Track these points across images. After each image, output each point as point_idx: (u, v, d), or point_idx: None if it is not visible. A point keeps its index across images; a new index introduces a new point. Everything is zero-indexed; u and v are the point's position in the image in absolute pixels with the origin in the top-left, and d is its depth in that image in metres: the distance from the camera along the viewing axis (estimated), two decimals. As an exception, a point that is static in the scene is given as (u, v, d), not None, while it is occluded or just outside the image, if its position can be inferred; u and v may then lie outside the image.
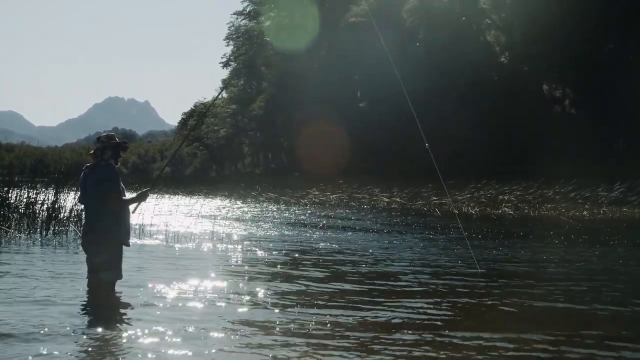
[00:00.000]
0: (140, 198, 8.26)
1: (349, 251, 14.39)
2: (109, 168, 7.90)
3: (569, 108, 48.51)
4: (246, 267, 11.53)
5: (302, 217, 26.90)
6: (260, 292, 8.94)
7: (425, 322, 7.47)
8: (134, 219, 10.66)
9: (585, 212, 29.55)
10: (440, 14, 48.99)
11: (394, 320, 7.50)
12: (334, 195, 40.26)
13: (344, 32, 59.58)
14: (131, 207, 8.23)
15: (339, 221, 24.50)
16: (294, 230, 20.04)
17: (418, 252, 14.49)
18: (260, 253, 13.64)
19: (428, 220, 25.65)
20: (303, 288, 9.50)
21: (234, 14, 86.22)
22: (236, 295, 8.70)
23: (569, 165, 36.53)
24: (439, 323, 7.44)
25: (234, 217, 25.35)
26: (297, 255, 13.61)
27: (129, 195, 8.32)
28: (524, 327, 7.30)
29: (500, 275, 11.40)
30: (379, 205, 36.17)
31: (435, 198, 34.10)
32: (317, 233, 19.02)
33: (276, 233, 18.80)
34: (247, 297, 8.54)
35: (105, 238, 7.88)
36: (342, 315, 7.65)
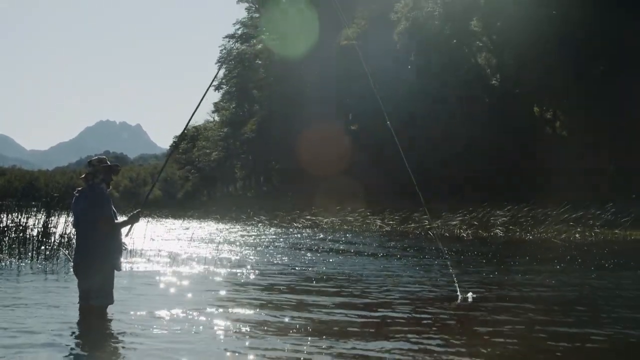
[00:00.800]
0: (132, 220, 8.18)
1: (341, 277, 14.31)
2: (99, 192, 7.83)
3: (559, 130, 48.73)
4: (238, 294, 11.47)
5: (294, 240, 26.83)
6: (252, 320, 8.87)
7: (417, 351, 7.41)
8: (127, 243, 10.63)
9: (577, 235, 29.57)
10: (431, 36, 49.25)
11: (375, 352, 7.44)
12: (326, 219, 40.23)
13: (335, 54, 59.83)
14: (124, 229, 8.18)
15: (332, 244, 24.42)
16: (285, 253, 19.97)
17: (405, 277, 14.43)
18: (251, 278, 13.57)
19: (419, 243, 25.60)
20: (296, 315, 9.42)
21: (226, 37, 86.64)
22: (228, 323, 8.62)
23: (560, 187, 36.53)
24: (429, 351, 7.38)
25: (226, 240, 25.25)
26: (288, 280, 13.54)
27: (120, 218, 8.27)
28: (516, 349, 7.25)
29: (486, 300, 11.33)
30: (371, 228, 36.16)
31: (426, 221, 34.07)
32: (310, 256, 18.95)
33: (267, 257, 18.72)
34: (239, 325, 8.44)
35: (95, 263, 7.80)
36: (340, 345, 7.58)
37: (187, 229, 32.41)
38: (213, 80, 10.26)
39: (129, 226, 8.24)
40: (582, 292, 12.46)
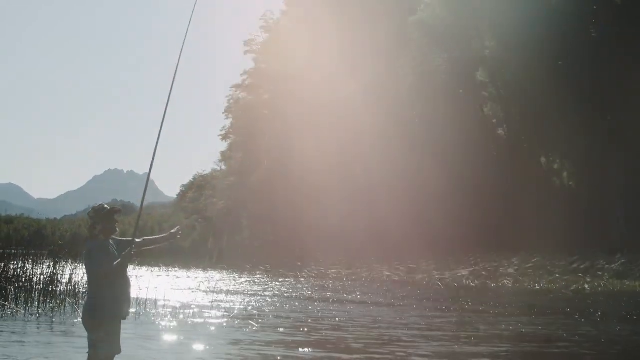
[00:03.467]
0: (126, 258, 7.58)
1: (350, 326, 14.17)
2: (93, 244, 7.57)
3: (567, 180, 48.64)
4: (243, 349, 11.34)
5: (301, 291, 26.65)
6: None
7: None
8: (134, 292, 10.55)
9: (586, 285, 29.28)
10: (437, 87, 49.52)
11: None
12: (332, 270, 40.02)
13: (343, 104, 60.03)
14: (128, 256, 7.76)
15: (342, 295, 24.25)
16: (290, 304, 19.81)
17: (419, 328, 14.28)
18: (255, 330, 13.44)
19: (430, 294, 25.41)
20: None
21: (233, 87, 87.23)
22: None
23: (568, 237, 36.32)
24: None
25: (233, 290, 25.11)
26: (293, 331, 13.40)
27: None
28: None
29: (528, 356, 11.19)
30: (378, 278, 35.94)
31: (436, 272, 33.93)
32: (317, 307, 18.79)
33: (273, 307, 18.58)
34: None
35: (101, 313, 7.70)
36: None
37: (193, 278, 32.28)
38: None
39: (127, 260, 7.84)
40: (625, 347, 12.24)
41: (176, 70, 7.77)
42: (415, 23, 51.24)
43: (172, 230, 8.15)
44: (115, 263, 7.58)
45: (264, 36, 77.43)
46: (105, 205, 7.93)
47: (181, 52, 7.90)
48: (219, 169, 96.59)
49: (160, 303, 17.17)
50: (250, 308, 18.13)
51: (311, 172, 60.60)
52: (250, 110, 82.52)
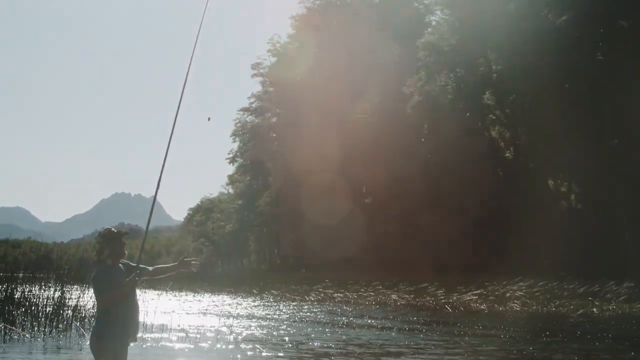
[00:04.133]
0: (129, 285, 7.50)
1: (359, 351, 14.09)
2: (99, 269, 7.49)
3: (574, 203, 48.51)
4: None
5: (307, 314, 26.55)
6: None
7: None
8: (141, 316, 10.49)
9: (594, 309, 29.07)
10: (444, 110, 49.58)
11: None
12: (339, 293, 39.86)
13: (350, 127, 60.11)
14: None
15: (349, 319, 24.14)
16: (297, 328, 19.73)
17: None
18: (265, 353, 13.38)
19: (439, 317, 25.27)
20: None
21: (241, 110, 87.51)
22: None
23: (576, 260, 36.14)
24: None
25: (240, 314, 25.04)
26: (300, 355, 13.34)
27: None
28: None
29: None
30: (386, 302, 35.76)
31: (443, 295, 33.77)
32: (325, 331, 18.70)
33: (280, 331, 18.50)
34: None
35: (108, 338, 7.65)
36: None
37: (200, 301, 32.21)
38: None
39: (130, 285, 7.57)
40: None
41: (181, 96, 7.79)
42: (423, 45, 51.45)
43: (186, 259, 7.99)
44: (118, 289, 7.48)
45: (271, 59, 77.84)
46: (112, 229, 7.87)
47: (187, 76, 7.92)
48: (226, 192, 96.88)
49: (167, 327, 17.11)
50: (256, 332, 18.05)
51: (318, 195, 60.63)
52: (258, 134, 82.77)
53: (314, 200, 60.52)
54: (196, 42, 8.05)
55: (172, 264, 8.08)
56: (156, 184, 7.82)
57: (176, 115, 7.68)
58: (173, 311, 22.11)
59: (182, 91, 7.77)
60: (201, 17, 8.30)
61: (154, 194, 7.93)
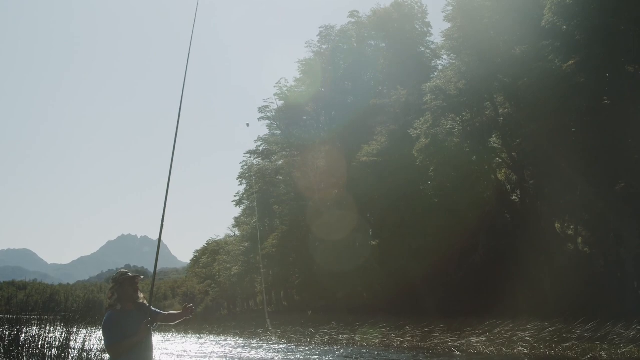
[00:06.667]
0: (140, 335, 7.55)
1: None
2: (108, 316, 7.52)
3: (581, 246, 48.36)
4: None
5: (313, 358, 26.42)
6: None
7: None
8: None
9: (602, 353, 28.82)
10: (451, 152, 49.73)
11: None
12: (345, 335, 39.65)
13: (357, 169, 60.35)
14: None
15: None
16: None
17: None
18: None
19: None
20: None
21: (247, 152, 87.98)
22: None
23: (583, 303, 35.91)
24: None
25: (244, 357, 24.93)
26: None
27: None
28: None
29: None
30: (392, 344, 35.54)
31: (450, 338, 33.54)
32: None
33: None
34: None
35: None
36: None
37: (206, 344, 32.08)
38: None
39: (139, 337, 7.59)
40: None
41: (175, 137, 7.97)
42: (430, 88, 51.85)
43: (188, 305, 8.18)
44: (129, 340, 7.42)
45: (278, 103, 78.56)
46: (128, 272, 7.82)
47: (179, 110, 8.10)
48: (232, 234, 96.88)
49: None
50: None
51: (325, 237, 60.67)
52: (265, 176, 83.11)
53: (322, 244, 60.57)
54: (184, 84, 8.25)
55: (179, 312, 8.22)
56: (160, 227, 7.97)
57: (172, 158, 7.86)
58: (178, 354, 22.06)
59: (176, 133, 7.97)
60: (187, 60, 8.52)
61: (159, 236, 8.07)
